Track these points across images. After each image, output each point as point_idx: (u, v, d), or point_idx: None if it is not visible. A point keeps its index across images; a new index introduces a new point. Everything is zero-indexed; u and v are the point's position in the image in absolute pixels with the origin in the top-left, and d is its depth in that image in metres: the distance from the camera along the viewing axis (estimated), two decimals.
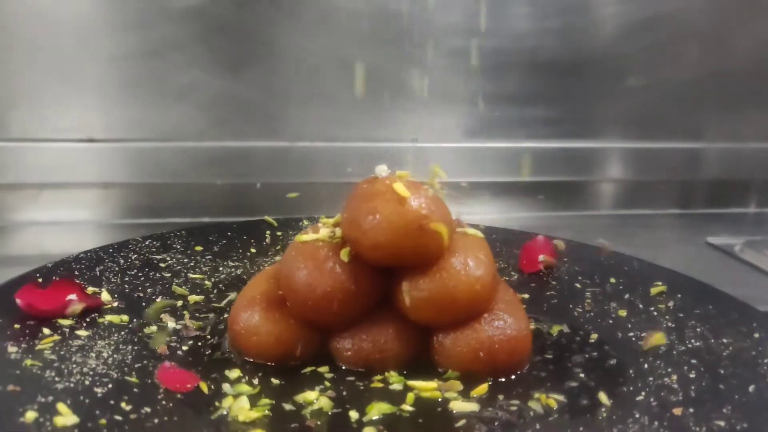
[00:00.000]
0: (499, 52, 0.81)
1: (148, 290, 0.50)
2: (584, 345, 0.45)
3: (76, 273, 0.51)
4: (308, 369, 0.41)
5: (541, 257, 0.59)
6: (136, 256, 0.56)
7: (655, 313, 0.49)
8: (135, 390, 0.37)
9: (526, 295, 0.53)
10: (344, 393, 0.39)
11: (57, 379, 0.37)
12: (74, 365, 0.39)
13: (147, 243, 0.59)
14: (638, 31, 0.84)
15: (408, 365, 0.41)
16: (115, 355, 0.40)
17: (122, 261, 0.55)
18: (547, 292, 0.54)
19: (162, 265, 0.55)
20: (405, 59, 0.79)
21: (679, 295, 0.52)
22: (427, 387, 0.39)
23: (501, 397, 0.39)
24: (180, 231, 0.62)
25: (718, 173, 0.92)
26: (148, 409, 0.35)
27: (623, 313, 0.50)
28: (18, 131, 0.72)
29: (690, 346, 0.44)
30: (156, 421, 0.34)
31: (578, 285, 0.55)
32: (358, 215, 0.40)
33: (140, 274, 0.53)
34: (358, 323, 0.42)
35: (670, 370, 0.41)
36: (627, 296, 0.52)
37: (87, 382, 0.37)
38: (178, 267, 0.55)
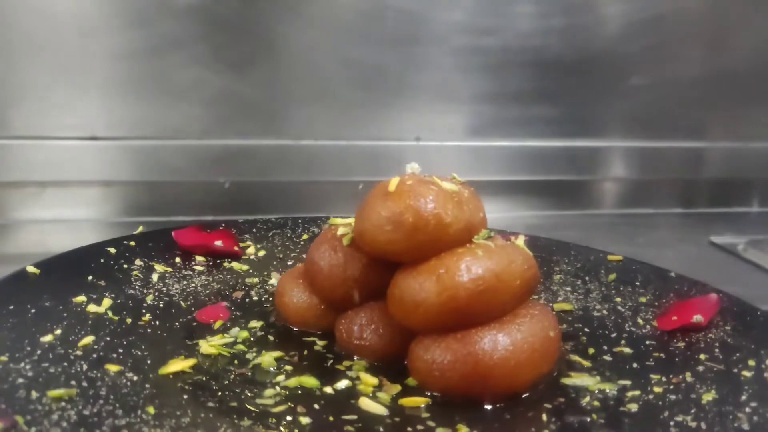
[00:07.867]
0: (502, 51, 0.81)
1: (292, 255, 0.59)
2: (606, 410, 0.37)
3: (254, 230, 0.63)
4: (308, 338, 0.45)
5: (696, 317, 0.47)
6: (316, 230, 0.66)
7: (746, 411, 0.36)
8: (172, 310, 0.46)
9: (629, 350, 0.45)
10: (304, 363, 0.41)
11: (137, 286, 0.49)
12: (161, 284, 0.50)
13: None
14: (642, 30, 0.84)
15: (400, 363, 0.41)
16: (198, 288, 0.51)
17: (299, 230, 0.65)
18: (656, 353, 0.44)
19: None
20: (409, 58, 0.76)
21: None
22: (367, 381, 0.39)
23: (426, 415, 0.36)
24: None
25: (721, 172, 0.93)
26: (157, 323, 0.44)
27: (709, 397, 0.38)
28: (21, 129, 0.72)
29: None
30: (149, 330, 0.43)
31: (702, 356, 0.43)
32: (360, 205, 0.42)
33: (300, 243, 0.62)
34: (354, 308, 0.43)
35: None
36: (744, 385, 0.39)
37: (148, 296, 0.48)
38: None
